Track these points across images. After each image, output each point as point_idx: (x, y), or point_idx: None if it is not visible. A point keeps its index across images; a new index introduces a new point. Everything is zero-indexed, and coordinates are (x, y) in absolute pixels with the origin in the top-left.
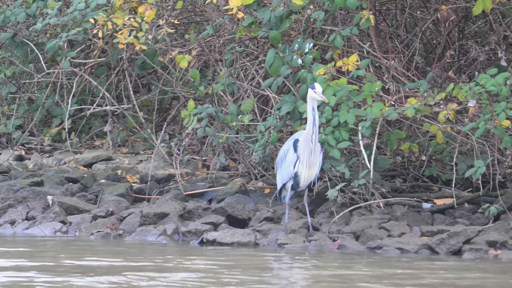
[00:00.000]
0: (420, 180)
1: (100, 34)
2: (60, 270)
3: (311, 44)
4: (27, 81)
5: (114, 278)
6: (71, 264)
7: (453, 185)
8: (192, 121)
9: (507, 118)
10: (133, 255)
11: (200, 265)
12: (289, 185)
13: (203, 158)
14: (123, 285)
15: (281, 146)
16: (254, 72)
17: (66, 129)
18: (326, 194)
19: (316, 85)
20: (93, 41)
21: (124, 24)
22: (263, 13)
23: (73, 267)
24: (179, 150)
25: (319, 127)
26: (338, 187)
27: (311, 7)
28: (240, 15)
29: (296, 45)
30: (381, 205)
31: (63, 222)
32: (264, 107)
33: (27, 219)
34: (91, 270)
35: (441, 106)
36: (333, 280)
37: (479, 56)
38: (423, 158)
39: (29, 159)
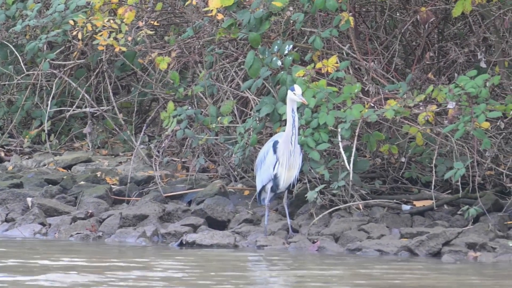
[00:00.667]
0: (399, 182)
1: (79, 36)
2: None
3: (291, 46)
4: (7, 82)
5: (89, 277)
6: (43, 265)
7: (433, 187)
8: (172, 123)
9: (486, 120)
10: (110, 256)
11: (178, 266)
12: (268, 187)
13: (182, 160)
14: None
15: (260, 148)
16: (234, 74)
17: (46, 131)
18: (305, 196)
19: (296, 86)
20: (73, 42)
21: (104, 26)
22: (243, 14)
23: (45, 267)
24: (158, 152)
25: (299, 129)
26: (317, 189)
27: (291, 8)
28: (220, 16)
29: (276, 46)
30: (361, 207)
31: (43, 224)
32: (244, 109)
33: (6, 220)
34: (66, 269)
35: (421, 108)
36: (312, 281)
37: (458, 58)
38: (403, 160)
39: (9, 161)
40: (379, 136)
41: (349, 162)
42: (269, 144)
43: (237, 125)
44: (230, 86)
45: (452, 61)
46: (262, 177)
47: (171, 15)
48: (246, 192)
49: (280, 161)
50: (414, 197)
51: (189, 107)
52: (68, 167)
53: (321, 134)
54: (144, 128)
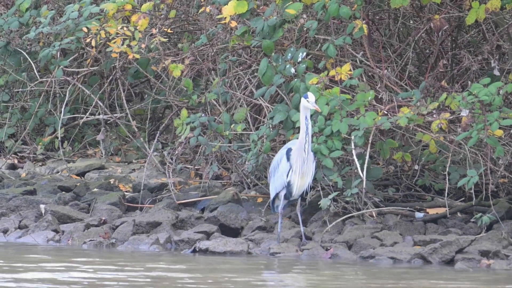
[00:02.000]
0: (412, 190)
1: (93, 43)
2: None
3: (304, 53)
4: (20, 89)
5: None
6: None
7: (446, 195)
8: (185, 130)
9: (500, 128)
10: (124, 263)
11: (193, 272)
12: (282, 194)
13: (195, 167)
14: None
15: (274, 155)
16: (247, 81)
17: (59, 138)
18: (318, 203)
19: (309, 94)
20: (86, 50)
21: (117, 33)
22: (256, 22)
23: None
24: (172, 159)
25: (312, 136)
26: (331, 196)
27: (304, 16)
28: (233, 24)
29: (289, 54)
30: (374, 215)
31: (56, 231)
32: (257, 116)
33: (19, 227)
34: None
35: (434, 116)
36: (326, 286)
37: (472, 66)
38: (416, 167)
39: (22, 167)
40: (392, 144)
41: (362, 170)
42: (282, 152)
43: (251, 132)
44: (244, 94)
45: (465, 68)
46: (275, 185)
47: (184, 23)
48: (260, 200)
49: (293, 168)
50: (428, 204)
51: (203, 114)
52: (82, 174)
53: (334, 142)
54: (157, 135)
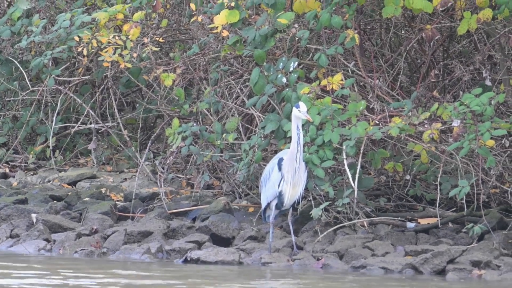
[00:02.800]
0: (404, 200)
1: (84, 52)
2: None
3: (296, 63)
4: (12, 98)
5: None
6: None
7: (437, 205)
8: (177, 139)
9: (491, 138)
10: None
11: (184, 281)
12: (273, 204)
13: (187, 177)
14: None
15: (265, 165)
16: (239, 91)
17: (51, 147)
18: (310, 213)
19: (301, 104)
20: (78, 59)
21: (109, 42)
22: (248, 31)
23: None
24: (163, 168)
25: (304, 146)
26: (322, 206)
27: (296, 26)
28: (225, 33)
29: (281, 64)
30: (365, 225)
31: (47, 240)
32: (249, 126)
33: (11, 236)
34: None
35: (426, 126)
36: None
37: (463, 76)
38: (407, 177)
39: (13, 176)
40: (384, 154)
41: (353, 180)
42: (274, 161)
43: (242, 142)
44: (235, 103)
45: (457, 79)
46: (267, 194)
47: (176, 32)
48: (251, 209)
49: (285, 178)
50: (419, 214)
51: (194, 124)
52: (73, 183)
53: (326, 152)
54: (149, 144)
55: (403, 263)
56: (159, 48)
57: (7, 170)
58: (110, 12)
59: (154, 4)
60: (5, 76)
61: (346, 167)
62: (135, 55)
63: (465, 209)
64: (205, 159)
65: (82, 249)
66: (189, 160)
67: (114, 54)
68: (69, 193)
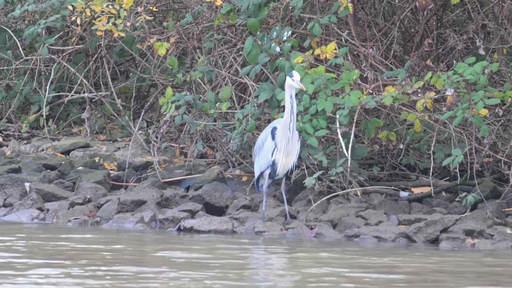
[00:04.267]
0: (397, 169)
1: (78, 21)
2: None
3: (289, 32)
4: (5, 67)
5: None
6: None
7: (431, 174)
8: (170, 108)
9: (485, 107)
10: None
11: (177, 251)
12: (266, 173)
13: (180, 146)
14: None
15: (259, 134)
16: (232, 60)
17: (44, 116)
18: (303, 182)
19: (294, 73)
20: (71, 28)
21: (103, 11)
22: (242, 0)
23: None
24: (156, 137)
25: (297, 115)
26: (315, 175)
27: None
28: (219, 2)
29: (274, 33)
30: (359, 194)
31: (41, 209)
32: (242, 95)
33: (4, 205)
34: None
35: (419, 95)
36: (309, 265)
37: (457, 45)
38: (401, 146)
39: (7, 146)
40: (377, 123)
41: (347, 149)
42: (267, 130)
43: (236, 111)
44: (229, 72)
45: (450, 48)
46: (260, 163)
47: (170, 1)
48: (244, 178)
49: (278, 147)
50: (412, 183)
51: (188, 93)
52: (66, 152)
53: (319, 121)
54: (142, 113)
55: (396, 232)
56: (152, 17)
57: (1, 139)
58: None
59: None
60: None
61: (339, 136)
62: (128, 24)
63: (459, 178)
64: (199, 128)
65: (75, 218)
66: (183, 129)
67: (107, 23)
68: (63, 162)
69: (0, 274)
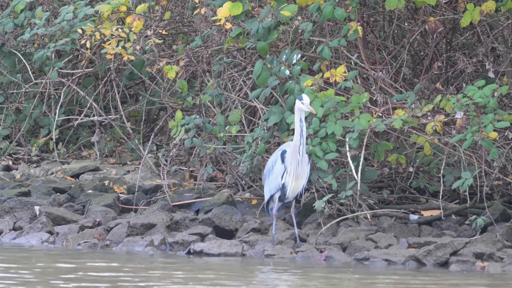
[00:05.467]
0: (407, 192)
1: (88, 45)
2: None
3: (299, 55)
4: (15, 91)
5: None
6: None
7: (440, 197)
8: (180, 131)
9: (494, 130)
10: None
11: (188, 274)
12: (276, 196)
13: (190, 169)
14: None
15: (268, 157)
16: (242, 83)
17: (54, 139)
18: (313, 205)
19: (304, 96)
20: (81, 51)
21: (112, 35)
22: (251, 24)
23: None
24: (166, 160)
25: (307, 138)
26: (325, 199)
27: (299, 18)
28: (228, 26)
29: (284, 56)
30: (368, 217)
31: (50, 233)
32: (252, 118)
33: (14, 229)
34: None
35: (429, 118)
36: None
37: (466, 68)
38: (411, 169)
39: (17, 169)
40: (387, 146)
41: (357, 172)
42: (277, 154)
43: (245, 134)
44: (238, 95)
45: (460, 71)
46: (270, 187)
47: (179, 24)
48: (254, 201)
49: (288, 170)
50: (422, 206)
51: (197, 116)
52: (76, 175)
53: (329, 144)
54: (152, 137)
55: (406, 255)
56: (162, 41)
57: (10, 163)
58: (113, 4)
59: None
60: (8, 68)
61: (349, 159)
62: (138, 47)
63: (468, 201)
64: (208, 151)
65: (85, 242)
66: (192, 152)
67: (117, 46)
68: (72, 186)
69: None
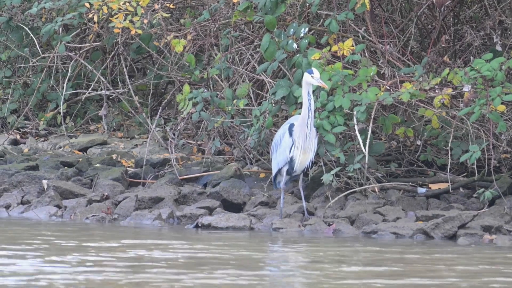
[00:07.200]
0: (415, 165)
1: (95, 19)
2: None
3: (307, 29)
4: (22, 65)
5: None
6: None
7: (448, 170)
8: (187, 105)
9: (502, 103)
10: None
11: (198, 246)
12: (284, 169)
13: (198, 143)
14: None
15: (276, 131)
16: (250, 57)
17: (61, 113)
18: (321, 178)
19: (314, 70)
20: (89, 25)
21: (120, 9)
22: None
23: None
24: (174, 134)
25: (314, 111)
26: (333, 172)
27: None
28: None
29: (292, 29)
30: (376, 190)
31: (58, 206)
32: (259, 92)
33: (22, 203)
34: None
35: (436, 91)
36: (328, 260)
37: (474, 41)
38: (418, 142)
39: (24, 143)
40: (394, 119)
41: (364, 145)
42: (285, 127)
43: (253, 108)
44: (246, 69)
45: (467, 44)
46: (278, 160)
47: None
48: (262, 175)
49: (296, 144)
50: (430, 180)
51: (205, 90)
52: (84, 149)
53: (336, 117)
54: (159, 110)
55: (414, 228)
56: (169, 14)
57: (18, 137)
58: None
59: None
60: (16, 42)
61: (357, 132)
62: (145, 21)
63: (476, 174)
64: (216, 125)
65: (93, 215)
66: (200, 126)
67: (124, 20)
68: (80, 160)
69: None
